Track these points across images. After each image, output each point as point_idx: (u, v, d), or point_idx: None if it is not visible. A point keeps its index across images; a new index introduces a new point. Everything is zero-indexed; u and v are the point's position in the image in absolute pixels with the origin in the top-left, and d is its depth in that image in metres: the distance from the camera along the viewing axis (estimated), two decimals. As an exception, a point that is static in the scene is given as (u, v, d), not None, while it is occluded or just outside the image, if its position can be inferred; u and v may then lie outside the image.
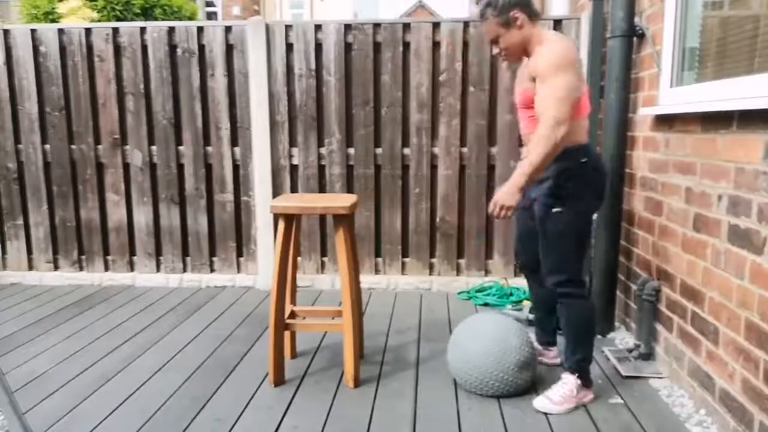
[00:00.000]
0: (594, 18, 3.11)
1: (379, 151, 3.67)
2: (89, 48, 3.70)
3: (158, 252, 3.89)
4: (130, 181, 3.82)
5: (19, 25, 4.25)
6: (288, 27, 3.60)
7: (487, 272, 3.76)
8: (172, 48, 3.68)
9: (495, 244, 3.72)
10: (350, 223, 2.54)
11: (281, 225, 2.36)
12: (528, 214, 2.32)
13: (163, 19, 6.91)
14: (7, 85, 3.75)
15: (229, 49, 3.66)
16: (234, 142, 3.75)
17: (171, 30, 3.66)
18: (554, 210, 2.13)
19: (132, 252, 3.91)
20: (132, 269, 3.92)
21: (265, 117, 3.65)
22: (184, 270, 3.89)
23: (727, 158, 2.00)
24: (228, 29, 3.65)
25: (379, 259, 3.80)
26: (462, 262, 3.76)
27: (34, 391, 2.38)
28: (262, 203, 3.74)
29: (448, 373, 2.50)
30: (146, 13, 6.89)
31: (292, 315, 2.58)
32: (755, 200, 1.83)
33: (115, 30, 3.69)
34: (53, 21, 6.45)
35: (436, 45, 3.55)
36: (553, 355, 2.60)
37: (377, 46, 3.59)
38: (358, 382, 2.42)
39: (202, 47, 3.67)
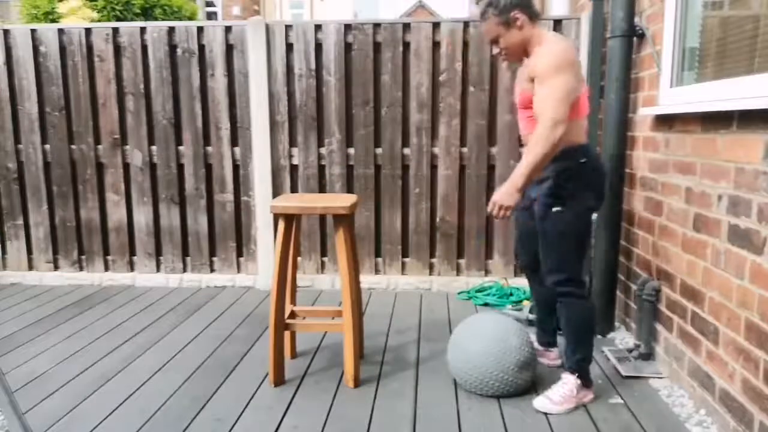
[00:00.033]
0: (594, 18, 3.11)
1: (379, 151, 3.67)
2: (89, 48, 3.71)
3: (158, 252, 3.89)
4: (130, 181, 3.82)
5: (19, 25, 4.25)
6: (288, 27, 3.60)
7: (487, 272, 3.76)
8: (172, 48, 3.68)
9: (495, 244, 3.73)
10: (350, 223, 2.55)
11: (281, 225, 2.36)
12: (528, 214, 2.32)
13: (163, 19, 6.91)
14: (7, 85, 3.75)
15: (229, 49, 3.66)
16: (234, 142, 3.75)
17: (171, 30, 3.66)
18: (554, 209, 2.14)
19: (132, 252, 3.91)
20: (132, 269, 3.92)
21: (265, 117, 3.65)
22: (184, 270, 3.90)
23: (727, 158, 2.00)
24: (228, 29, 3.65)
25: (379, 259, 3.80)
26: (462, 262, 3.76)
27: (34, 391, 2.38)
28: (262, 203, 3.74)
29: (448, 373, 2.50)
30: (146, 13, 6.89)
31: (292, 315, 2.58)
32: (755, 200, 1.83)
33: (115, 30, 3.69)
34: (53, 21, 6.45)
35: (436, 45, 3.55)
36: (554, 357, 2.60)
37: (377, 46, 3.59)
38: (358, 382, 2.42)
39: (202, 47, 3.67)
